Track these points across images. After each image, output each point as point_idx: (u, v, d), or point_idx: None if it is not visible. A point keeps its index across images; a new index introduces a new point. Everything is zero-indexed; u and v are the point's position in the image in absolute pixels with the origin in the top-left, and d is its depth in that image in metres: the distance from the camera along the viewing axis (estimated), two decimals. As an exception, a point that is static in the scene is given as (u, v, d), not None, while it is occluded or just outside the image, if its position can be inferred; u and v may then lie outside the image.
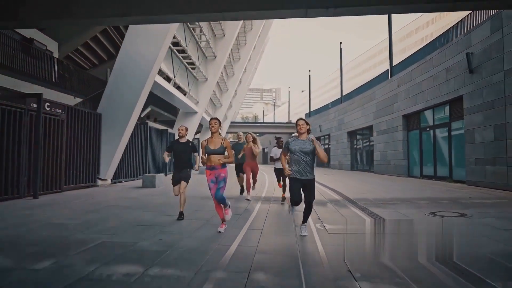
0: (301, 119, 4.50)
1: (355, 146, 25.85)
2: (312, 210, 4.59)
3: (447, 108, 13.90)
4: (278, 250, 3.84)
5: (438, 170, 14.60)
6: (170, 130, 19.31)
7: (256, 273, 3.01)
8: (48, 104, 8.93)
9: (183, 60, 19.21)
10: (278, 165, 7.73)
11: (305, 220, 4.54)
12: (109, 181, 12.15)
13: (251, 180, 8.18)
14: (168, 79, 17.70)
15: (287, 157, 4.74)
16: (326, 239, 4.34)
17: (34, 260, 3.30)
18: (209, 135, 5.36)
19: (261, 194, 9.22)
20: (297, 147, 4.39)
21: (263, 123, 59.59)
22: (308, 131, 4.51)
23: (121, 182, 12.94)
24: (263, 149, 56.18)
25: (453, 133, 13.54)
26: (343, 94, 30.19)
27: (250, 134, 7.82)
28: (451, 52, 13.05)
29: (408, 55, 19.48)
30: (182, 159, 5.73)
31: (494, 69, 10.61)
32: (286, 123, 52.41)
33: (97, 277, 2.90)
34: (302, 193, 4.40)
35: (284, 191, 7.81)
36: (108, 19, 7.87)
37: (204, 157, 4.75)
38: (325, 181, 13.83)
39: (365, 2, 6.36)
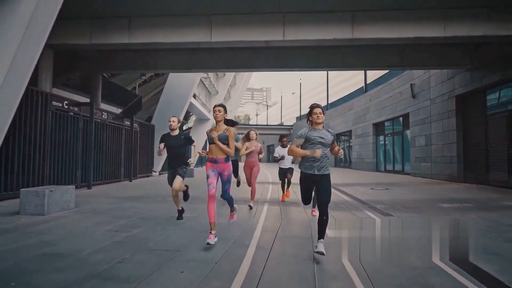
0: (318, 106, 3.76)
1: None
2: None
3: (401, 120, 19.00)
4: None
5: (395, 166, 19.72)
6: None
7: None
8: (130, 121, 13.68)
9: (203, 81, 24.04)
10: (283, 164, 7.68)
11: (321, 234, 3.56)
12: (158, 173, 16.91)
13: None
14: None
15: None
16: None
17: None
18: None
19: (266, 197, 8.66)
20: (316, 135, 3.66)
21: (256, 125, 64.26)
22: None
23: (164, 173, 17.71)
24: (268, 146, 60.08)
25: (404, 139, 18.64)
26: (329, 102, 35.33)
27: (254, 131, 7.23)
28: (402, 81, 18.12)
29: (378, 77, 24.60)
30: (176, 154, 5.18)
31: (425, 97, 15.69)
32: (278, 125, 57.35)
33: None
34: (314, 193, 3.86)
35: (288, 187, 7.92)
36: (177, 70, 12.77)
37: (203, 152, 4.33)
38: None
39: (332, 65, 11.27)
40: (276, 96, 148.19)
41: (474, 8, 8.87)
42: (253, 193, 7.06)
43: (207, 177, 4.14)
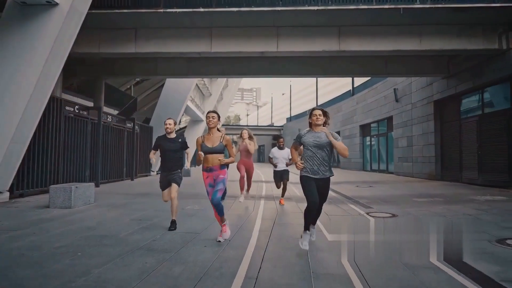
0: (318, 108, 3.89)
1: (327, 147, 32.11)
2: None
3: (385, 122, 20.20)
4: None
5: (380, 165, 20.92)
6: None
7: None
8: (132, 124, 14.48)
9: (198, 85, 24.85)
10: (278, 167, 7.42)
11: (313, 221, 3.94)
12: (155, 173, 17.71)
13: (246, 182, 7.63)
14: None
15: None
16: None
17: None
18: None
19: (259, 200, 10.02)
20: (310, 140, 3.79)
21: (247, 125, 65.18)
22: (325, 124, 3.91)
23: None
24: (259, 146, 61.19)
25: (389, 140, 19.83)
26: (318, 103, 36.47)
27: (246, 130, 7.37)
28: (387, 85, 19.30)
29: (365, 81, 25.80)
30: (171, 158, 5.02)
31: (407, 101, 16.87)
32: (268, 125, 58.41)
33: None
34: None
35: (283, 195, 7.58)
36: (176, 76, 13.63)
37: (201, 153, 4.12)
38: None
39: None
40: (266, 97, 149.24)
41: (445, 25, 10.00)
42: (249, 185, 7.66)
43: (207, 193, 4.24)
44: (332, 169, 4.00)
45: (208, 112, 4.23)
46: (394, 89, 18.07)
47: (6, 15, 6.93)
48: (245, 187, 7.64)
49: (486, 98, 11.92)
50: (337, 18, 9.88)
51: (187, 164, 5.49)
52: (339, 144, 3.78)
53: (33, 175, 8.36)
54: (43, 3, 6.79)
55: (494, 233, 4.75)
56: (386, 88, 19.39)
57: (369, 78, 24.49)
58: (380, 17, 9.70)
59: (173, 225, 4.93)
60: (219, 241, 4.19)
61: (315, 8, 9.21)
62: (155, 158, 5.25)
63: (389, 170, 19.51)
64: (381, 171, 20.64)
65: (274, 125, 59.74)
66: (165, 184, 5.06)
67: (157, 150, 5.13)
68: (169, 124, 5.06)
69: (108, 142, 12.30)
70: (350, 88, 27.81)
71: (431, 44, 10.11)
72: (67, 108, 9.78)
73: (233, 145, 5.41)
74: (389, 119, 19.40)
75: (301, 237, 3.89)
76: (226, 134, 4.60)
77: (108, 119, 12.42)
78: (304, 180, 3.83)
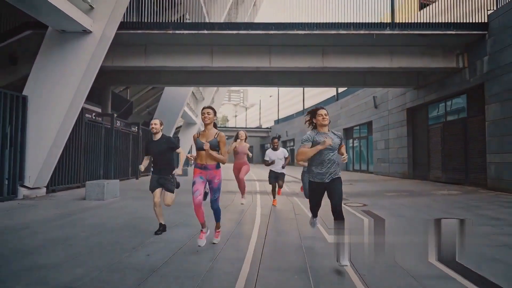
0: (322, 108, 3.68)
1: (313, 149, 34.01)
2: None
3: (366, 126, 22.09)
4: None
5: (362, 165, 22.81)
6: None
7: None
8: (137, 128, 15.87)
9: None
10: (274, 168, 7.30)
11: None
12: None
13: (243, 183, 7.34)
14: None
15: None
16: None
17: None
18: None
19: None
20: (323, 140, 3.48)
21: (235, 127, 66.47)
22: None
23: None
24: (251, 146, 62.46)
25: (369, 143, 21.72)
26: (305, 107, 38.37)
27: (243, 131, 7.23)
28: (367, 93, 21.20)
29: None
30: (161, 161, 4.76)
31: (384, 108, 18.76)
32: (257, 127, 60.05)
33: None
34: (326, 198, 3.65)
35: (274, 195, 7.50)
36: (177, 85, 15.10)
37: (191, 156, 3.98)
38: (290, 172, 21.49)
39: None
40: (253, 98, 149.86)
41: (411, 46, 11.82)
42: (242, 188, 7.14)
43: (193, 183, 3.85)
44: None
45: (204, 108, 3.98)
46: (374, 96, 19.95)
47: (47, 41, 8.35)
48: (245, 185, 7.46)
49: (448, 108, 13.84)
50: (321, 40, 11.55)
51: (177, 171, 4.86)
52: (345, 154, 3.77)
53: (62, 173, 9.73)
54: (80, 31, 8.23)
55: (435, 215, 6.48)
56: (367, 95, 21.28)
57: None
58: (357, 40, 11.42)
59: (160, 229, 4.82)
60: (199, 246, 3.95)
61: (302, 32, 10.87)
62: (145, 165, 4.85)
63: (370, 170, 21.39)
64: (362, 171, 22.52)
65: (262, 127, 61.32)
66: (154, 185, 4.76)
67: (149, 155, 4.87)
68: (155, 124, 4.76)
69: (117, 145, 13.68)
70: (335, 93, 29.70)
71: (400, 62, 11.92)
72: (87, 115, 11.15)
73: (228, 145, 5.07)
74: (369, 123, 21.29)
75: (311, 223, 4.36)
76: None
77: (117, 124, 13.79)
78: (311, 187, 3.76)
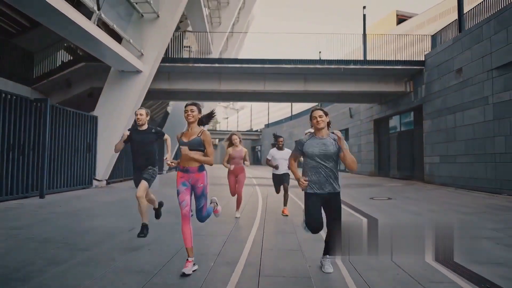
0: (318, 109, 3.20)
1: (300, 151, 38.06)
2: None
3: (344, 133, 26.03)
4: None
5: (340, 166, 26.59)
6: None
7: None
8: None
9: None
10: (278, 170, 6.53)
11: (328, 251, 3.21)
12: (165, 172, 22.57)
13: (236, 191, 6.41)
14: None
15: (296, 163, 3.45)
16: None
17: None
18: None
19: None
20: (315, 149, 3.10)
21: (227, 130, 69.74)
22: (328, 125, 3.22)
23: (162, 172, 23.35)
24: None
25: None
26: (293, 113, 42.35)
27: (237, 134, 6.29)
28: (344, 104, 25.12)
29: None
30: (143, 152, 4.32)
31: (358, 118, 22.71)
32: (248, 130, 63.59)
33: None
34: (323, 213, 3.21)
35: (285, 203, 6.66)
36: (188, 100, 18.75)
37: (172, 162, 3.46)
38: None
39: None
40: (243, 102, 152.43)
41: (371, 75, 15.72)
42: (239, 202, 6.38)
43: (178, 193, 3.34)
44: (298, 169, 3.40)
45: (187, 105, 3.38)
46: (349, 108, 23.90)
47: (110, 79, 11.89)
48: (241, 198, 6.53)
49: (402, 120, 17.81)
50: (303, 70, 15.35)
51: (167, 157, 4.62)
52: (349, 153, 3.14)
53: (113, 170, 13.25)
54: (134, 71, 11.80)
55: (376, 196, 10.29)
56: (344, 107, 25.24)
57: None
58: (330, 71, 15.26)
59: (143, 230, 4.22)
60: (184, 274, 3.14)
61: (290, 66, 14.66)
62: (119, 148, 4.46)
63: (346, 170, 25.27)
64: (340, 170, 26.30)
65: (253, 130, 64.66)
66: (138, 183, 4.33)
67: (127, 143, 4.39)
68: (140, 114, 4.38)
69: (126, 147, 17.18)
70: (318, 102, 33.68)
71: (363, 87, 15.82)
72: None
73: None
74: (346, 130, 25.23)
75: (303, 227, 3.47)
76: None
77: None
78: (308, 199, 3.21)
